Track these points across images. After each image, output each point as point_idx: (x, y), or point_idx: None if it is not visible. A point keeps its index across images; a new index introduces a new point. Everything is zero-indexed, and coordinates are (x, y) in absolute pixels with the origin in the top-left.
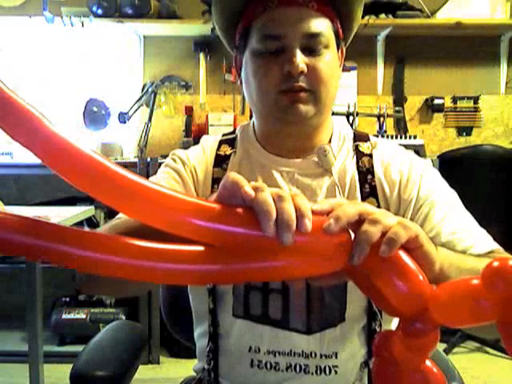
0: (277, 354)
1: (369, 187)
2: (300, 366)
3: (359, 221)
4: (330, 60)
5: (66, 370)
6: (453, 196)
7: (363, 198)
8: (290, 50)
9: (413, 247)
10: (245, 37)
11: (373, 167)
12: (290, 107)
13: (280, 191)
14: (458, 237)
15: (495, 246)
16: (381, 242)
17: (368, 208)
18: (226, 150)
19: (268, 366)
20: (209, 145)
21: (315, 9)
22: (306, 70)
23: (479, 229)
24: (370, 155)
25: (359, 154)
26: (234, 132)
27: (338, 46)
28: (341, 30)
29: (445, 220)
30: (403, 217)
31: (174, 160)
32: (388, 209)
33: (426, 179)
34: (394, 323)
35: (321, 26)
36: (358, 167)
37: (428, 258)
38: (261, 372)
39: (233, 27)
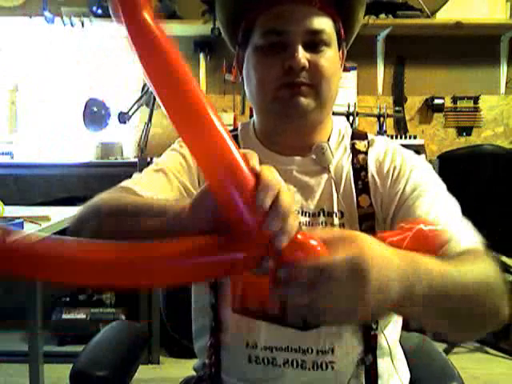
0: (274, 350)
1: (362, 184)
2: (297, 362)
3: None
4: (331, 57)
5: (65, 370)
6: (441, 189)
7: (357, 194)
8: (292, 45)
9: None
10: (247, 33)
11: (367, 164)
12: (291, 100)
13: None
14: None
15: (472, 242)
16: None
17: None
18: None
19: (265, 361)
20: None
21: (318, 7)
22: (307, 65)
23: (463, 223)
24: (366, 153)
25: (355, 152)
26: (236, 129)
27: (340, 46)
28: (343, 31)
29: (429, 212)
30: (387, 209)
31: (181, 146)
32: (381, 204)
33: (415, 174)
34: (390, 321)
35: (323, 23)
36: (353, 164)
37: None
38: (259, 367)
39: (235, 24)
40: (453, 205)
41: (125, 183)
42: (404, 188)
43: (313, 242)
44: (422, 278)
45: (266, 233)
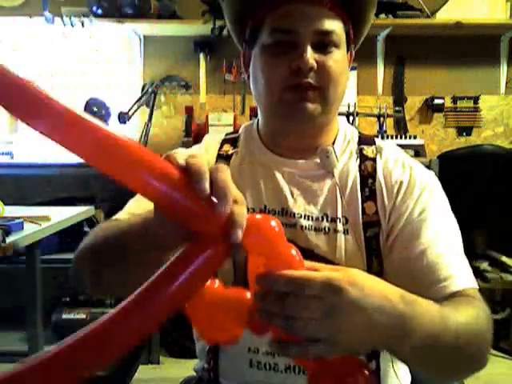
0: (275, 355)
1: (369, 191)
2: (299, 368)
3: None
4: (339, 59)
5: None
6: (446, 214)
7: (363, 201)
8: (301, 45)
9: None
10: (256, 31)
11: (375, 171)
12: (297, 104)
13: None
14: (438, 266)
15: (469, 284)
16: None
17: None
18: (228, 149)
19: (267, 366)
20: (211, 144)
21: (328, 7)
22: (315, 66)
23: (462, 260)
24: (374, 159)
25: (363, 158)
26: (237, 131)
27: (348, 48)
28: (352, 33)
29: (434, 241)
30: (393, 225)
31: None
32: (384, 213)
33: (424, 195)
34: None
35: (333, 24)
36: (361, 170)
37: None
38: (260, 372)
39: (244, 21)
40: (456, 232)
41: (117, 215)
42: (412, 209)
43: (272, 223)
44: (416, 323)
45: (221, 218)
